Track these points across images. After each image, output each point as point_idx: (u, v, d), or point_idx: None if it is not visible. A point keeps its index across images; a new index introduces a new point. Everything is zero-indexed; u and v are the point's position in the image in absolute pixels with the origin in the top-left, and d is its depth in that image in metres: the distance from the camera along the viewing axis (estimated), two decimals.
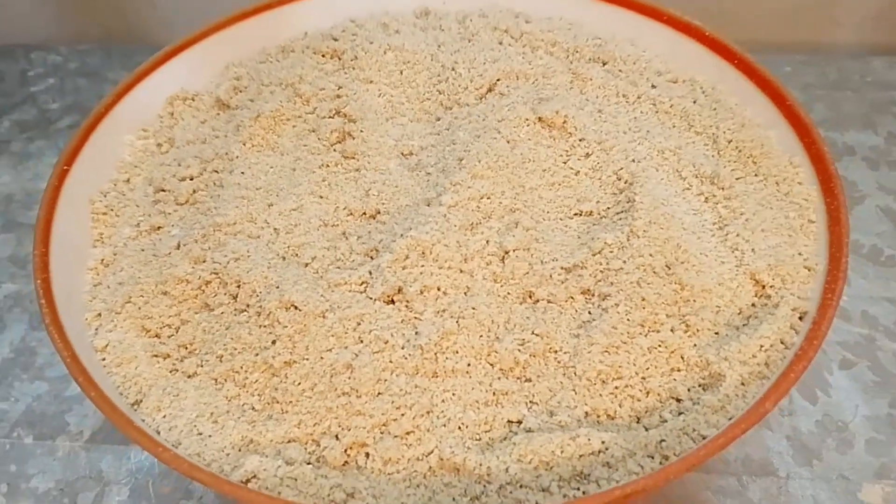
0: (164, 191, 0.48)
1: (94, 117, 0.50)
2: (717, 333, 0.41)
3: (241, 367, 0.40)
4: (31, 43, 0.88)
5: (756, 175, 0.48)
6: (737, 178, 0.48)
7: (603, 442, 0.37)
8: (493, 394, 0.39)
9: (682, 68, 0.54)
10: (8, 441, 0.53)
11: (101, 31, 0.89)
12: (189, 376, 0.41)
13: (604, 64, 0.54)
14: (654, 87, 0.53)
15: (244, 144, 0.50)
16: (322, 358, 0.39)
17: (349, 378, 0.39)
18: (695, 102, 0.52)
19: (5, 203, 0.70)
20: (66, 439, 0.54)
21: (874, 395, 0.55)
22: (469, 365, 0.40)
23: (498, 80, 0.52)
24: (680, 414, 0.38)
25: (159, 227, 0.47)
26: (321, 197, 0.47)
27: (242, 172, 0.48)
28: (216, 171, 0.49)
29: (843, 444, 0.52)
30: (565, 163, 0.48)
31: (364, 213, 0.46)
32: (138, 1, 0.87)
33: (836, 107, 0.77)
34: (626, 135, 0.49)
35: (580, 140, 0.48)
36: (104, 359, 0.41)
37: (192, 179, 0.49)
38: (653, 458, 0.37)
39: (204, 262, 0.43)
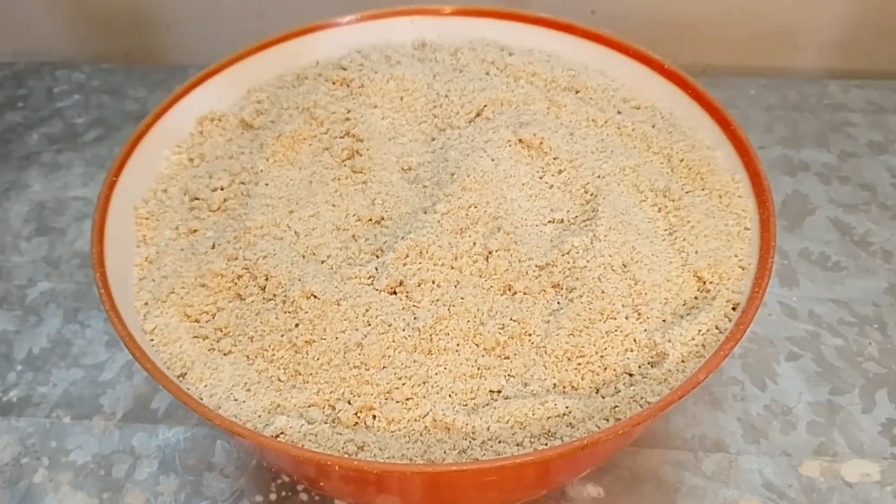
0: (198, 199, 0.51)
1: (137, 135, 0.54)
2: (664, 321, 0.44)
3: (269, 346, 0.43)
4: (55, 61, 0.91)
5: (703, 189, 0.50)
6: (686, 192, 0.50)
7: (567, 407, 0.40)
8: (478, 368, 0.42)
9: (645, 96, 0.57)
10: (48, 420, 0.56)
11: (121, 51, 0.93)
12: (225, 354, 0.43)
13: (577, 92, 0.57)
14: (619, 112, 0.55)
15: (267, 160, 0.52)
16: (337, 338, 0.42)
17: (359, 354, 0.42)
18: (653, 126, 0.54)
19: (38, 209, 0.73)
20: (101, 419, 0.57)
21: (816, 383, 0.58)
22: (458, 345, 0.43)
23: (485, 106, 0.54)
24: (631, 386, 0.41)
25: (196, 231, 0.49)
26: (334, 205, 0.49)
27: (266, 184, 0.50)
28: (243, 183, 0.51)
29: (787, 426, 0.55)
30: (541, 178, 0.50)
31: (371, 219, 0.48)
32: (155, 24, 0.91)
33: (795, 127, 0.81)
34: (593, 154, 0.51)
35: (554, 159, 0.50)
36: (152, 339, 0.44)
37: (222, 190, 0.51)
38: (608, 420, 0.40)
39: (236, 259, 0.46)
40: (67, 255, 0.68)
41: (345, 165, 0.52)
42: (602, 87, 0.57)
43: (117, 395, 0.58)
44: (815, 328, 0.62)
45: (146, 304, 0.46)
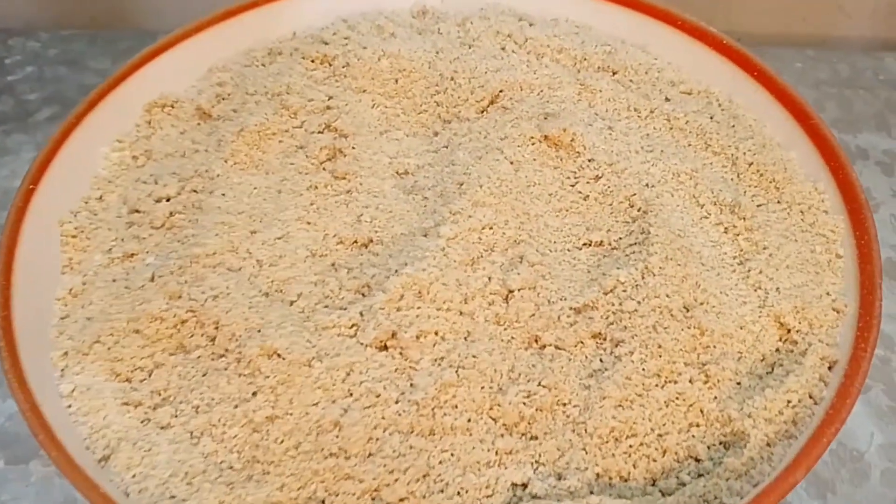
0: (138, 212, 0.46)
1: (65, 128, 0.47)
2: (738, 384, 0.39)
3: (219, 421, 0.38)
4: (9, 28, 0.85)
5: (779, 202, 0.46)
6: (758, 206, 0.46)
7: None
8: (496, 453, 0.37)
9: (697, 79, 0.53)
10: None
11: (85, 16, 0.87)
12: (162, 427, 0.38)
13: (614, 73, 0.53)
14: (667, 100, 0.51)
15: (226, 162, 0.47)
16: (307, 413, 0.37)
17: (337, 437, 0.37)
18: (711, 118, 0.50)
19: None
20: (39, 464, 0.52)
21: (890, 421, 0.53)
22: (469, 421, 0.38)
23: (501, 91, 0.51)
24: (699, 476, 0.36)
25: (133, 255, 0.44)
26: (309, 223, 0.45)
27: (223, 194, 0.46)
28: (195, 192, 0.46)
29: (858, 476, 0.51)
30: (573, 186, 0.46)
31: (355, 242, 0.44)
32: None
33: (848, 106, 0.76)
34: (638, 155, 0.47)
35: (589, 160, 0.46)
36: (70, 406, 0.39)
37: (168, 200, 0.46)
38: None
39: (180, 297, 0.41)
40: None
41: (324, 169, 0.47)
42: (644, 67, 0.53)
43: None
44: (886, 352, 0.58)
45: (65, 354, 0.40)
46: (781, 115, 0.49)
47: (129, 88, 0.51)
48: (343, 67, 0.51)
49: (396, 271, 0.41)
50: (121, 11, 0.88)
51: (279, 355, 0.38)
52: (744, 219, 0.45)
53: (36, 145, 0.72)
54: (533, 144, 0.47)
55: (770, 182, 0.47)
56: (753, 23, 0.86)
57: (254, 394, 0.38)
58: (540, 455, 0.37)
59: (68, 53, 0.82)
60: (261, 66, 0.53)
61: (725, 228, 0.45)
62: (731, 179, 0.47)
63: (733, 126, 0.49)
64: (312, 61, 0.52)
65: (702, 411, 0.38)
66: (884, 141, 0.73)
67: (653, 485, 0.37)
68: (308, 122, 0.49)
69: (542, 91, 0.50)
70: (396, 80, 0.51)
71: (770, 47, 0.83)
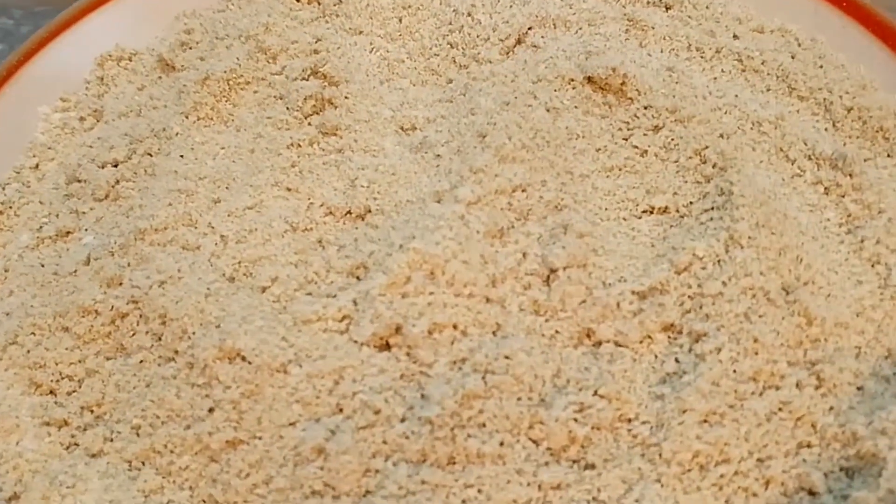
0: (79, 181, 0.42)
1: None
2: (860, 389, 0.34)
3: (166, 446, 0.33)
4: None
5: (890, 156, 0.41)
6: (865, 160, 0.41)
7: None
8: (539, 488, 0.32)
9: (769, 13, 0.48)
10: None
11: None
12: (92, 455, 0.34)
13: (668, 8, 0.48)
14: (736, 37, 0.46)
15: (187, 117, 0.43)
16: (281, 436, 0.32)
17: (321, 468, 0.31)
18: (793, 58, 0.45)
19: None
20: None
21: None
22: (502, 445, 0.32)
23: (529, 28, 0.46)
24: None
25: (68, 233, 0.40)
26: (289, 189, 0.41)
27: (182, 156, 0.41)
28: (149, 154, 0.42)
29: None
30: (626, 139, 0.41)
31: (348, 213, 0.40)
32: None
33: None
34: (706, 101, 0.42)
35: (645, 108, 0.42)
36: None
37: (116, 165, 0.42)
38: None
39: (120, 283, 0.36)
40: None
41: (309, 124, 0.43)
42: (705, 2, 0.48)
43: None
44: None
45: None
46: (881, 52, 0.44)
47: (76, 37, 0.47)
48: (335, 5, 0.47)
49: (401, 246, 0.36)
50: None
51: (244, 358, 0.33)
52: (850, 176, 0.40)
53: None
54: (574, 88, 0.42)
55: (877, 131, 0.41)
56: None
57: (210, 410, 0.33)
58: (599, 490, 0.32)
59: None
60: (237, 9, 0.49)
61: (826, 188, 0.40)
62: (826, 129, 0.42)
63: (821, 67, 0.44)
64: (298, 0, 0.49)
65: (814, 426, 0.33)
66: None
67: None
68: (290, 68, 0.45)
69: (580, 28, 0.46)
70: (400, 19, 0.47)
71: None
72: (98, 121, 0.46)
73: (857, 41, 0.45)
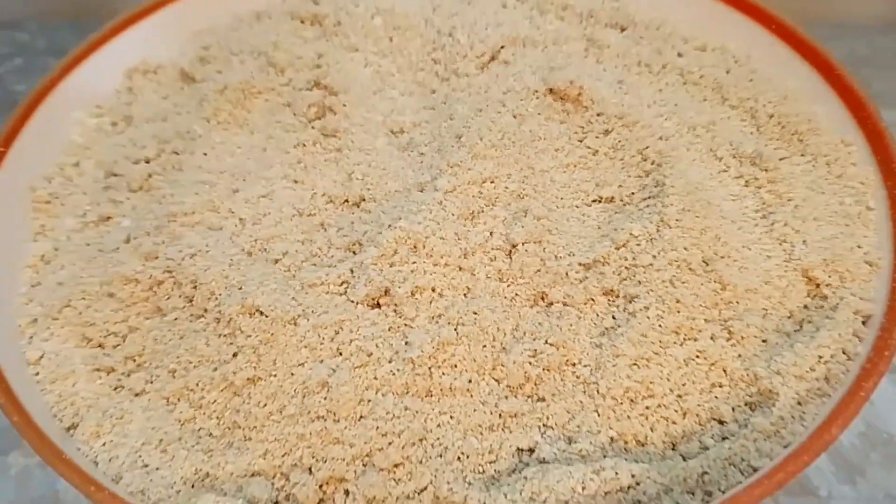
0: (115, 175, 0.45)
1: (38, 92, 0.46)
2: (765, 341, 0.38)
3: (197, 384, 0.37)
4: None
5: (802, 155, 0.45)
6: (781, 159, 0.44)
7: (633, 475, 0.33)
8: (500, 416, 0.36)
9: (711, 35, 0.51)
10: None
11: (72, 6, 0.86)
12: (136, 394, 0.37)
13: (622, 29, 0.52)
14: (680, 55, 0.50)
15: (208, 121, 0.46)
16: (292, 374, 0.36)
17: (325, 398, 0.35)
18: (728, 72, 0.49)
19: None
20: (19, 455, 0.50)
21: None
22: (470, 381, 0.36)
23: (502, 47, 0.49)
24: (724, 439, 0.35)
25: (108, 218, 0.44)
26: (296, 181, 0.44)
27: (205, 153, 0.45)
28: (176, 153, 0.45)
29: (890, 460, 0.49)
30: (581, 141, 0.45)
31: (346, 201, 0.43)
32: None
33: (868, 85, 0.74)
34: (650, 109, 0.46)
35: (598, 115, 0.45)
36: (37, 373, 0.38)
37: (147, 162, 0.45)
38: (693, 494, 0.33)
39: (156, 258, 0.40)
40: None
41: (312, 127, 0.46)
42: (655, 23, 0.51)
43: None
44: None
45: (34, 321, 0.39)
46: (804, 68, 0.47)
47: (107, 54, 0.50)
48: (334, 26, 0.50)
49: (389, 226, 0.40)
50: (107, 3, 0.84)
51: (261, 313, 0.37)
52: (766, 171, 0.44)
53: None
54: (537, 98, 0.46)
55: (793, 134, 0.45)
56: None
57: (234, 355, 0.37)
58: (548, 418, 0.36)
59: (55, 45, 0.81)
60: (248, 27, 0.53)
61: (746, 181, 0.44)
62: (751, 132, 0.46)
63: (752, 80, 0.48)
64: (302, 21, 0.52)
65: (725, 370, 0.37)
66: None
67: (673, 449, 0.35)
68: (296, 80, 0.48)
69: (546, 47, 0.49)
70: (391, 39, 0.50)
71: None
72: (128, 125, 0.48)
73: (785, 57, 0.48)
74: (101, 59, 0.50)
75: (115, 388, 0.38)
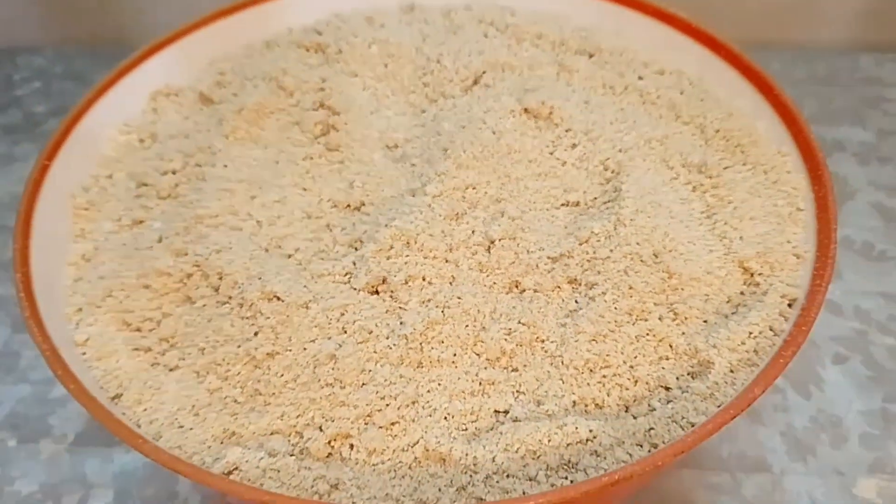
0: (145, 185, 0.47)
1: (75, 112, 0.49)
2: (705, 321, 0.40)
3: (223, 360, 0.39)
4: (16, 46, 0.88)
5: (744, 164, 0.47)
6: (724, 168, 0.47)
7: (591, 430, 0.36)
8: (480, 383, 0.38)
9: (669, 60, 0.54)
10: None
11: (87, 34, 0.89)
12: (170, 370, 0.40)
13: (590, 56, 0.54)
14: (640, 78, 0.52)
15: (227, 137, 0.48)
16: (305, 349, 0.38)
17: (332, 369, 0.38)
18: (682, 93, 0.51)
19: None
20: (49, 442, 0.53)
21: (867, 389, 0.54)
22: (455, 355, 0.39)
23: (483, 72, 0.51)
24: (668, 402, 0.37)
25: (141, 221, 0.46)
26: (305, 189, 0.46)
27: (225, 165, 0.47)
28: (198, 165, 0.47)
29: (838, 439, 0.52)
30: (551, 153, 0.47)
31: (348, 205, 0.45)
32: (124, 2, 0.87)
33: (826, 102, 0.77)
34: (612, 125, 0.48)
35: (566, 130, 0.47)
36: (84, 353, 0.40)
37: (174, 173, 0.47)
38: (641, 446, 0.36)
39: (185, 254, 0.42)
40: None
41: (318, 142, 0.48)
42: (619, 50, 0.53)
43: (68, 414, 0.54)
44: (863, 326, 0.59)
45: (79, 310, 0.42)
46: (748, 89, 0.50)
47: (134, 79, 0.52)
48: (336, 54, 0.52)
49: (386, 225, 0.42)
50: (121, 29, 0.89)
51: (278, 298, 0.39)
52: (711, 178, 0.45)
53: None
54: (514, 116, 0.47)
55: (736, 146, 0.47)
56: (735, 29, 0.85)
57: (255, 333, 0.39)
58: (520, 385, 0.38)
59: (72, 69, 0.84)
60: (259, 55, 0.54)
61: (693, 187, 0.45)
62: (700, 145, 0.48)
63: (702, 99, 0.50)
64: (307, 49, 0.53)
65: (671, 346, 0.39)
66: (859, 134, 0.74)
67: (626, 411, 0.38)
68: (303, 101, 0.50)
69: (522, 71, 0.51)
70: (386, 65, 0.52)
71: (748, 50, 0.85)
72: (154, 141, 0.50)
73: (732, 80, 0.51)
74: (129, 84, 0.52)
75: (153, 365, 0.40)
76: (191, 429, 0.37)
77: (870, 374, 0.55)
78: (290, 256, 0.43)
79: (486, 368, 0.39)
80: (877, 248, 0.64)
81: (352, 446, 0.36)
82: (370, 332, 0.39)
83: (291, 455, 0.36)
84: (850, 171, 0.70)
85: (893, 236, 0.64)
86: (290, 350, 0.39)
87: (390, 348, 0.38)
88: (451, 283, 0.41)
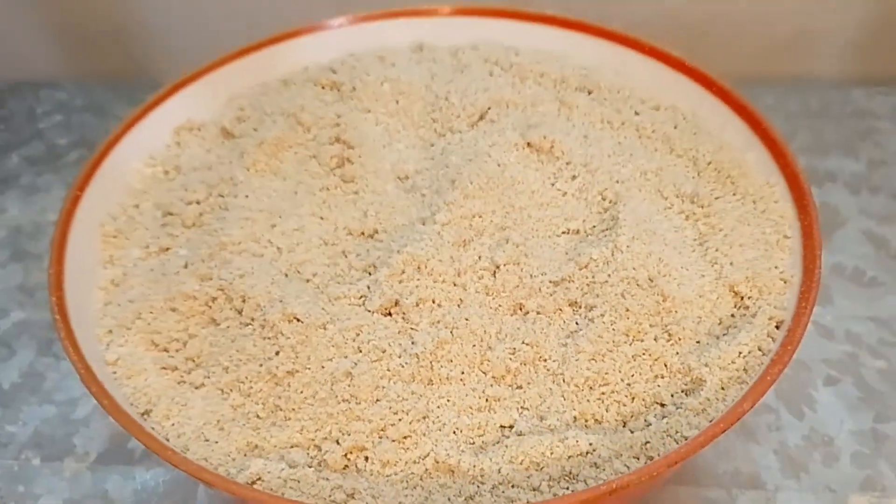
0: (171, 214, 0.48)
1: (104, 146, 0.51)
2: (698, 342, 0.41)
3: (246, 378, 0.40)
4: (38, 80, 0.89)
5: (734, 194, 0.48)
6: (716, 197, 0.47)
7: (590, 444, 0.37)
8: (486, 400, 0.39)
9: (664, 96, 0.55)
10: (16, 462, 0.53)
11: (107, 68, 0.90)
12: (196, 387, 0.41)
13: (589, 92, 0.55)
14: (637, 113, 0.53)
15: (248, 170, 0.50)
16: (323, 367, 0.40)
17: (349, 385, 0.39)
18: (676, 127, 0.52)
19: (14, 234, 0.70)
20: (72, 460, 0.54)
21: (858, 410, 0.55)
22: (463, 373, 0.40)
23: (489, 108, 0.52)
24: (663, 417, 0.38)
25: (167, 249, 0.47)
26: (322, 218, 0.47)
27: (247, 196, 0.48)
28: (221, 196, 0.49)
29: (830, 458, 0.52)
30: (553, 184, 0.48)
31: (362, 233, 0.46)
32: (141, 38, 0.88)
33: (819, 135, 0.78)
34: (610, 158, 0.49)
35: (567, 163, 0.48)
36: (115, 372, 0.41)
37: (198, 203, 0.49)
38: (638, 458, 0.37)
39: (210, 279, 0.43)
40: (43, 283, 0.64)
41: (333, 174, 0.50)
42: (617, 87, 0.55)
43: (91, 433, 0.55)
44: (854, 349, 0.59)
45: (110, 331, 0.43)
46: (739, 124, 0.51)
47: (158, 115, 0.54)
48: (350, 91, 0.54)
49: (398, 251, 0.43)
50: (140, 64, 0.91)
51: (298, 320, 0.40)
52: (702, 207, 0.46)
53: (65, 184, 0.75)
54: (517, 150, 0.48)
55: (727, 178, 0.48)
56: (729, 64, 0.84)
57: (276, 353, 0.40)
58: (524, 401, 0.39)
59: (93, 102, 0.85)
60: (276, 92, 0.56)
61: (686, 216, 0.46)
62: (693, 176, 0.49)
63: (695, 133, 0.51)
64: (322, 87, 0.55)
65: (665, 364, 0.40)
66: (851, 165, 0.75)
67: (623, 426, 0.39)
68: (319, 136, 0.51)
69: (525, 107, 0.52)
70: (397, 101, 0.53)
71: (742, 85, 0.87)
72: (178, 173, 0.51)
73: (724, 114, 0.52)
74: (153, 120, 0.53)
75: (179, 383, 0.41)
76: (216, 442, 0.38)
77: (861, 395, 0.55)
78: (308, 281, 0.44)
79: (492, 385, 0.40)
80: (867, 275, 0.64)
81: (367, 458, 0.38)
82: (384, 352, 0.40)
83: (310, 466, 0.37)
84: (841, 200, 0.71)
85: (883, 263, 0.65)
86: (309, 368, 0.40)
87: (402, 366, 0.40)
88: (459, 306, 0.42)
